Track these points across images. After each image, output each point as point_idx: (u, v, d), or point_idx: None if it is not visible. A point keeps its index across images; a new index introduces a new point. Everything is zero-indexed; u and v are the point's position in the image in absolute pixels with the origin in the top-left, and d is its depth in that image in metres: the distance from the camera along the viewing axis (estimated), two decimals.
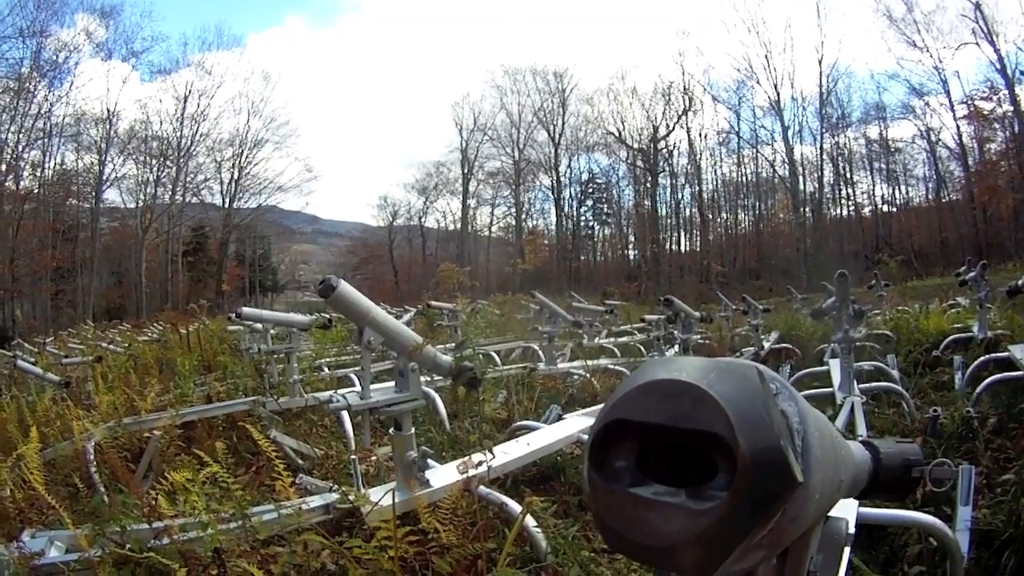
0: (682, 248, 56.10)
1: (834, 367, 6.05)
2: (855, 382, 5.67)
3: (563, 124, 56.41)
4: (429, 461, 3.70)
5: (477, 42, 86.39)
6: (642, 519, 0.60)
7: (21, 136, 43.95)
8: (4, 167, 43.18)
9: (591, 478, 0.65)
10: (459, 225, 59.26)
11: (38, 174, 45.79)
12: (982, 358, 6.71)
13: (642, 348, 11.46)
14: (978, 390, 5.65)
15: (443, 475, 3.71)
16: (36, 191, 45.68)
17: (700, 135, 53.50)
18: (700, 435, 0.58)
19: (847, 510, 1.14)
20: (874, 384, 6.29)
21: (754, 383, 0.61)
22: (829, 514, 0.90)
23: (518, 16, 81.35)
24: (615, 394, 0.65)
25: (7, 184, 43.52)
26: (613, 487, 0.63)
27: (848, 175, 50.60)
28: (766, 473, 0.57)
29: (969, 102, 44.21)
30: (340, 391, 4.97)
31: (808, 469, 0.62)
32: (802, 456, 0.62)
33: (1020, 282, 6.74)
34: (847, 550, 1.06)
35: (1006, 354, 6.48)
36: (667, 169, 54.48)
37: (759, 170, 53.08)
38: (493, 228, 60.73)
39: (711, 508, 0.57)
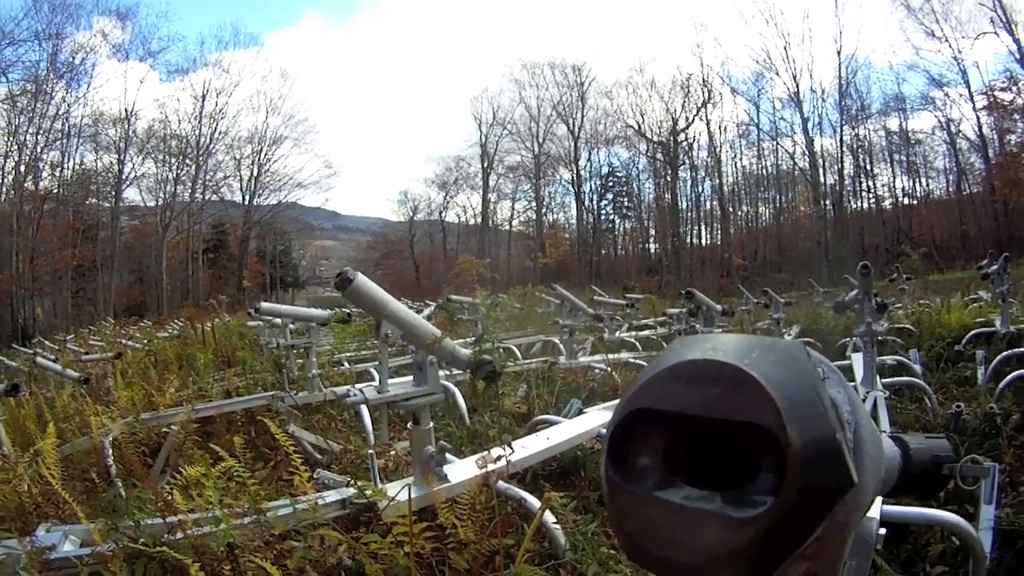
0: (703, 241, 56.17)
1: (856, 361, 5.99)
2: (877, 376, 5.60)
3: (582, 117, 56.43)
4: (447, 456, 3.67)
5: (495, 36, 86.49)
6: (671, 529, 0.51)
7: (40, 137, 44.29)
8: (23, 168, 43.50)
9: (609, 478, 0.55)
10: (479, 219, 59.40)
11: (57, 174, 46.21)
12: (1005, 353, 6.63)
13: (663, 342, 11.38)
14: (1001, 386, 5.59)
15: (461, 470, 3.66)
16: (55, 191, 46.03)
17: (720, 127, 53.58)
18: (740, 427, 0.49)
19: (874, 510, 1.08)
20: (896, 379, 6.22)
21: (804, 365, 0.52)
22: None
23: (535, 10, 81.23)
24: (640, 378, 0.56)
25: (27, 185, 43.84)
26: (635, 490, 0.53)
27: (868, 167, 50.43)
28: (819, 473, 0.48)
29: (989, 92, 43.95)
30: (358, 385, 4.95)
31: (861, 467, 0.54)
32: (854, 452, 0.54)
33: None
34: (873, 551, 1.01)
35: None
36: (687, 162, 54.53)
37: (779, 162, 52.98)
38: (513, 222, 60.81)
39: (755, 516, 0.48)
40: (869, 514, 0.90)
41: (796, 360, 0.52)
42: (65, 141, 45.60)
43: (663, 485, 0.53)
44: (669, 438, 0.54)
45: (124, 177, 48.36)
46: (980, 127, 44.93)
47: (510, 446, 3.46)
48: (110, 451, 5.17)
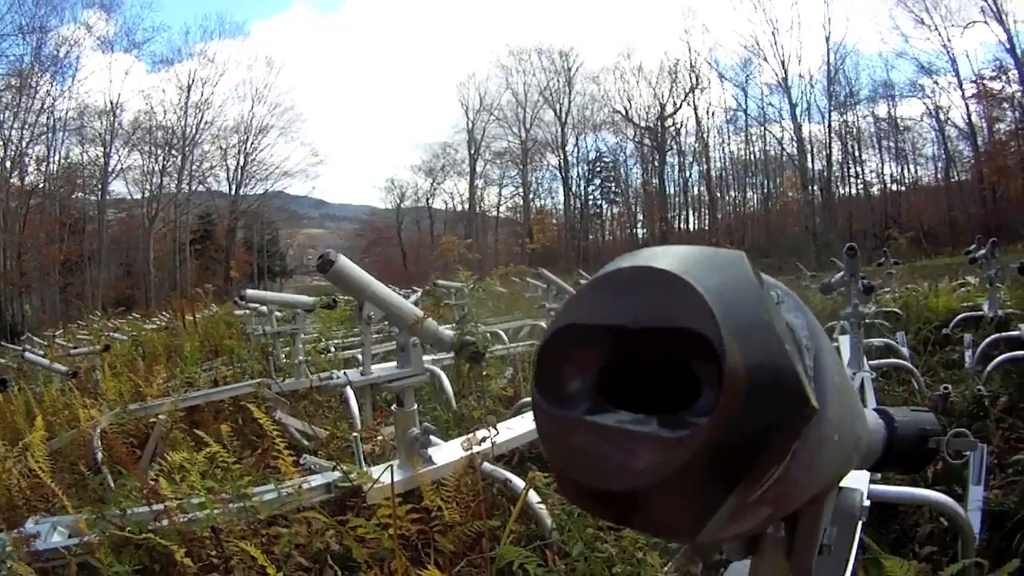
0: (691, 226, 56.18)
1: (843, 343, 5.97)
2: (865, 358, 5.59)
3: (569, 103, 56.42)
4: (432, 438, 3.66)
5: (481, 22, 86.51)
6: (598, 454, 0.46)
7: (25, 132, 44.18)
8: (8, 163, 43.42)
9: (536, 404, 0.50)
10: (467, 206, 59.38)
11: (43, 169, 46.02)
12: (992, 336, 6.63)
13: None
14: (988, 368, 5.58)
15: (446, 452, 3.68)
16: (41, 186, 45.90)
17: (707, 113, 53.73)
18: (676, 339, 0.44)
19: (860, 482, 1.06)
20: (884, 361, 6.22)
21: (747, 275, 0.47)
22: (842, 484, 0.80)
23: None
24: (571, 295, 0.52)
25: (12, 180, 43.74)
26: (564, 415, 0.48)
27: (856, 153, 50.60)
28: (766, 392, 0.43)
29: (978, 81, 44.12)
30: (344, 370, 4.94)
31: (823, 398, 0.47)
32: (815, 380, 0.48)
33: None
34: (860, 525, 0.99)
35: (1017, 332, 6.43)
36: (675, 147, 54.74)
37: (767, 148, 53.08)
38: (501, 208, 60.81)
39: (688, 435, 0.42)
40: (853, 484, 0.88)
41: (735, 267, 0.47)
42: (50, 135, 45.49)
43: (596, 410, 0.48)
44: (605, 359, 0.49)
45: (110, 170, 48.24)
46: (969, 115, 45.21)
47: (495, 428, 3.46)
48: (98, 443, 5.16)
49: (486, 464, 3.47)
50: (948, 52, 44.44)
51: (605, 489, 0.45)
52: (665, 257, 0.47)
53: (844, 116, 49.62)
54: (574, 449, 0.47)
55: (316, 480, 3.47)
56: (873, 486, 2.25)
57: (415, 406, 3.71)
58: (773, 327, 0.45)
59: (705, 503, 0.44)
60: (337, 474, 3.48)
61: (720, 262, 0.47)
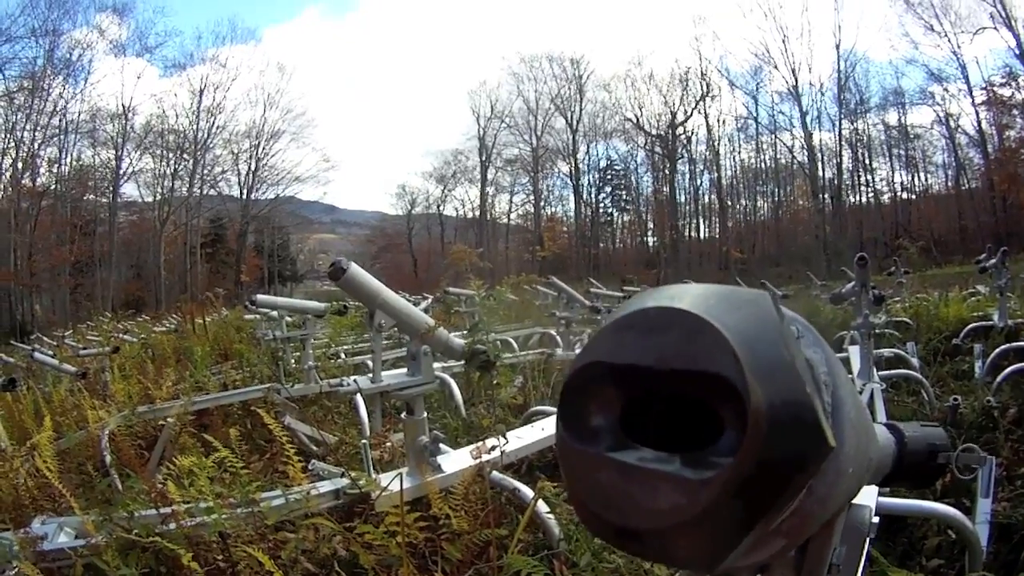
0: (701, 235, 56.49)
1: (853, 353, 5.94)
2: (875, 369, 5.57)
3: (580, 111, 56.51)
4: (441, 446, 3.66)
5: (493, 29, 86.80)
6: (621, 492, 0.46)
7: (37, 134, 44.42)
8: (21, 164, 43.60)
9: (560, 439, 0.51)
10: (478, 213, 59.39)
11: (55, 171, 46.28)
12: (1002, 347, 6.60)
13: None
14: (998, 379, 5.57)
15: (455, 460, 3.65)
16: (53, 187, 46.10)
17: (718, 121, 53.81)
18: (700, 381, 0.44)
19: (868, 498, 1.05)
20: (894, 371, 6.20)
21: (769, 314, 0.47)
22: (852, 501, 0.80)
23: (533, 3, 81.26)
24: (595, 332, 0.52)
25: (24, 181, 43.92)
26: (587, 450, 0.49)
27: (867, 161, 50.52)
28: (788, 432, 0.43)
29: (988, 88, 44.01)
30: (353, 377, 4.94)
31: (840, 434, 0.49)
32: (832, 415, 0.48)
33: None
34: (868, 540, 0.98)
35: None
36: (685, 155, 54.79)
37: (778, 156, 53.15)
38: (512, 215, 60.88)
39: (713, 477, 0.43)
40: (862, 501, 0.88)
41: (759, 308, 0.47)
42: (63, 137, 45.75)
43: (619, 447, 0.48)
44: (627, 396, 0.49)
45: (122, 173, 48.45)
46: (979, 122, 45.20)
47: (504, 436, 3.45)
48: (107, 444, 5.17)
49: (495, 473, 3.45)
50: (958, 59, 44.54)
51: (627, 526, 0.46)
52: (688, 297, 0.48)
53: (854, 124, 49.74)
54: (597, 484, 0.48)
55: (324, 486, 3.45)
56: (881, 499, 2.22)
57: (424, 414, 3.71)
58: (795, 366, 0.45)
59: (725, 540, 0.45)
60: (345, 481, 3.46)
61: (742, 300, 0.48)
